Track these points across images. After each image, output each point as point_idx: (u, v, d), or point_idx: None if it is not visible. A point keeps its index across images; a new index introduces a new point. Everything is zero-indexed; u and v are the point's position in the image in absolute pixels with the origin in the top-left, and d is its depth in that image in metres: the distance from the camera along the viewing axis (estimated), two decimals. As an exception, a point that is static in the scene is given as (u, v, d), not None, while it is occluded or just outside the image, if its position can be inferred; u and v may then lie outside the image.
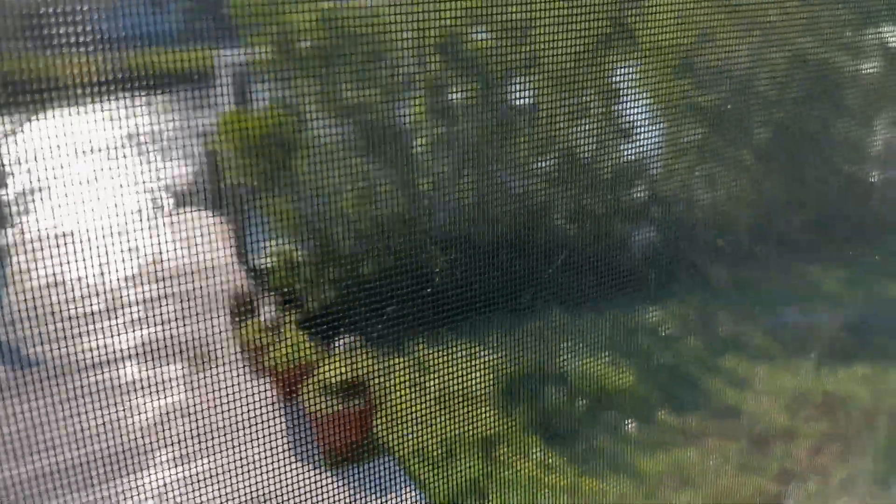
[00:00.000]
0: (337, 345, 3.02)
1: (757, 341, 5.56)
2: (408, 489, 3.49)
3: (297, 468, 2.06)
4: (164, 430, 2.14)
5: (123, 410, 2.23)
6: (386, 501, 3.18)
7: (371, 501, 2.82)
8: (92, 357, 2.07)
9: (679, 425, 4.29)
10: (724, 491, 3.55)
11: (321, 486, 2.06)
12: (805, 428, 4.08)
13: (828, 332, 5.45)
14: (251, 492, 1.97)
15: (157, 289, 2.31)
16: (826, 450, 3.84)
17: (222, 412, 1.95)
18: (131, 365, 2.31)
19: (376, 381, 3.25)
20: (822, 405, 4.33)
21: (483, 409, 3.19)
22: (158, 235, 2.04)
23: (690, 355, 5.25)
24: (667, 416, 4.42)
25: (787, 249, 4.93)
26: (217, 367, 1.98)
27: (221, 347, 2.09)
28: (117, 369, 2.22)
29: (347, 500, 2.57)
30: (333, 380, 3.25)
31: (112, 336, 2.19)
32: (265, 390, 2.16)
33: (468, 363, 2.37)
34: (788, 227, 4.31)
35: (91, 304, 1.91)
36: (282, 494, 1.99)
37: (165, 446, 2.21)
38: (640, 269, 3.04)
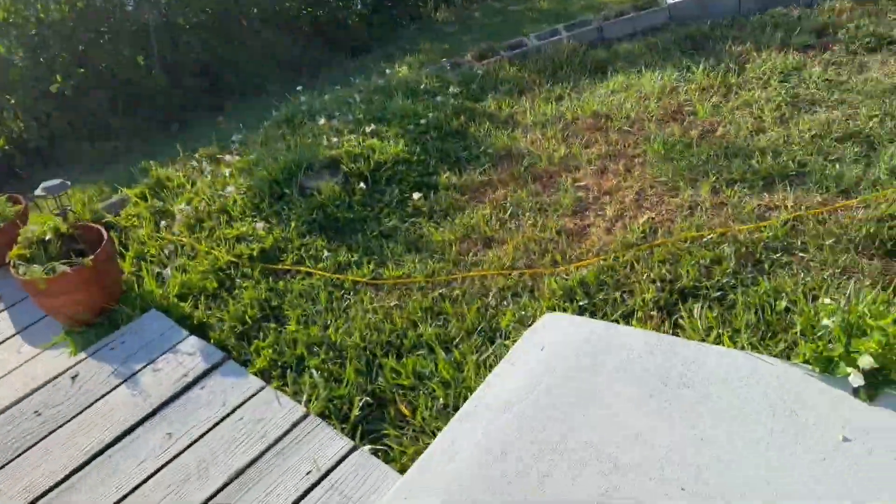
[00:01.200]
0: None
1: (510, 74, 5.18)
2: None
3: None
4: None
5: None
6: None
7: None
8: None
9: (462, 184, 3.81)
10: (529, 240, 3.20)
11: None
12: (586, 154, 3.84)
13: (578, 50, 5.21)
14: None
15: None
16: (610, 169, 3.65)
17: None
18: None
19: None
20: (592, 125, 4.12)
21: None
22: None
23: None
24: (448, 179, 3.90)
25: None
26: None
27: None
28: None
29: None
30: None
31: None
32: None
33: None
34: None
35: None
36: None
37: None
38: None
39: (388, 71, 5.64)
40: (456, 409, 2.44)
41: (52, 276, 3.01)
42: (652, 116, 4.07)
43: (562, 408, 2.15)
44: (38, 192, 3.81)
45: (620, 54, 5.11)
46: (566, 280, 2.89)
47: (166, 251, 3.72)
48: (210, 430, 2.48)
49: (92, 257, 3.09)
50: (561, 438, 2.06)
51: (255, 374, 2.79)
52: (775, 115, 3.75)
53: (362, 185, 3.81)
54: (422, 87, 5.17)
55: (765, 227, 2.93)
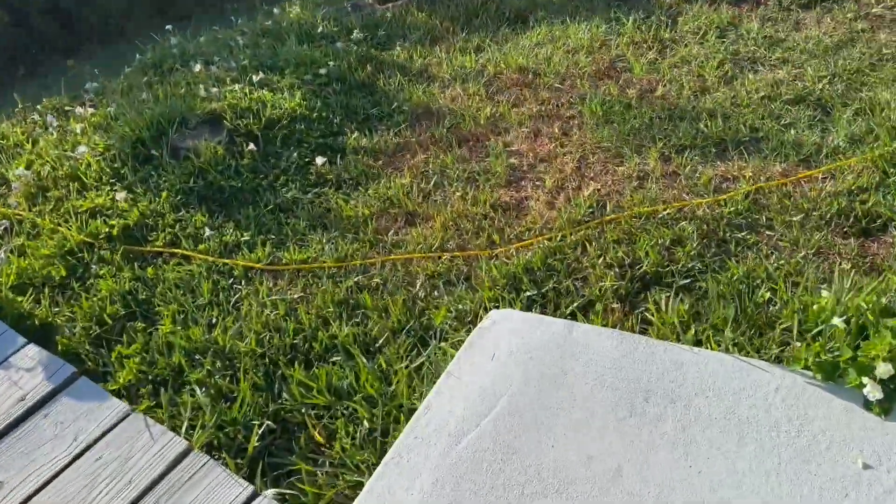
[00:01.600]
0: None
1: (420, 20, 4.62)
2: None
3: None
4: None
5: None
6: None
7: None
8: None
9: (374, 147, 3.26)
10: (459, 215, 2.72)
11: None
12: (515, 114, 3.38)
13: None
14: None
15: None
16: (544, 132, 3.22)
17: None
18: None
19: None
20: (519, 81, 3.67)
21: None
22: None
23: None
24: (357, 141, 3.33)
25: None
26: None
27: None
28: None
29: None
30: None
31: None
32: None
33: None
34: None
35: None
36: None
37: None
38: None
39: (276, 11, 4.88)
40: (385, 434, 1.95)
41: None
42: (584, 73, 3.66)
43: (525, 436, 1.72)
44: None
45: (540, 2, 4.66)
46: (507, 265, 2.44)
47: (1, 226, 2.94)
48: (55, 476, 1.86)
49: None
50: (527, 479, 1.62)
51: (118, 394, 2.16)
52: (718, 74, 3.45)
53: (252, 146, 3.16)
54: (318, 30, 4.51)
55: (725, 200, 2.61)
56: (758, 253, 2.36)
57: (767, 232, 2.46)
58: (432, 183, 2.96)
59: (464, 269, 2.50)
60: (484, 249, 2.57)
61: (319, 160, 3.09)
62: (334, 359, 2.20)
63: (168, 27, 4.77)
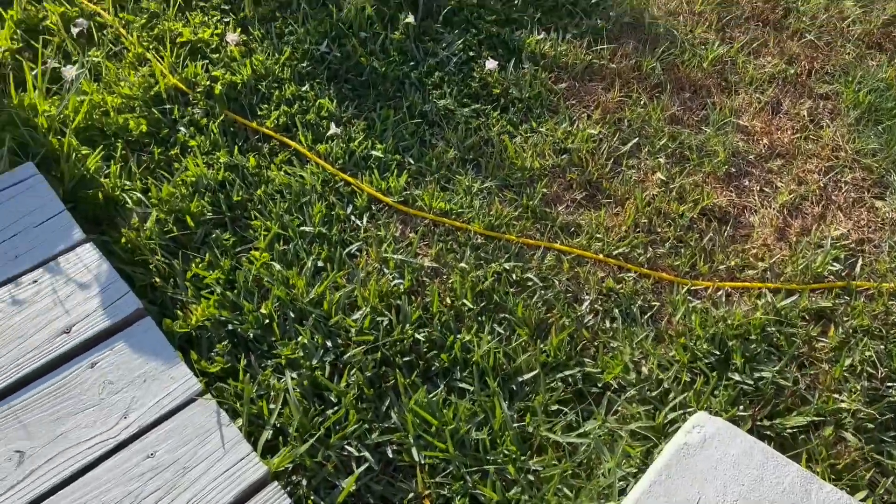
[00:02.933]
0: None
1: None
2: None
3: None
4: None
5: None
6: None
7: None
8: None
9: (559, 58, 2.50)
10: (655, 210, 2.06)
11: None
12: (752, 67, 2.56)
13: None
14: None
15: None
16: (784, 109, 2.42)
17: None
18: None
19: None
20: (762, 13, 2.78)
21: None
22: None
23: None
24: (540, 43, 2.57)
25: None
26: None
27: None
28: None
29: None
30: None
31: None
32: None
33: None
34: None
35: None
36: None
37: None
38: None
39: None
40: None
41: None
42: (852, 32, 2.75)
43: None
44: None
45: None
46: (711, 312, 1.84)
47: (74, 29, 2.31)
48: (89, 468, 1.42)
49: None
50: None
51: (187, 341, 1.69)
52: None
53: (410, 17, 2.41)
54: None
55: None
56: None
57: None
58: (628, 145, 2.25)
59: (649, 298, 1.89)
60: (682, 276, 1.95)
61: (490, 64, 2.36)
62: (463, 384, 1.68)
63: None
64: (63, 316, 1.60)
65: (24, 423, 1.45)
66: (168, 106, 2.17)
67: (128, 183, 1.98)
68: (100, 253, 1.71)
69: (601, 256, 1.95)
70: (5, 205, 1.76)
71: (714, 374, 1.73)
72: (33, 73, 2.10)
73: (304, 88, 2.25)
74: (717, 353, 1.77)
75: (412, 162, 2.13)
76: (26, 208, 1.76)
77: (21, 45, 2.29)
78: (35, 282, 1.65)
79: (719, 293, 1.92)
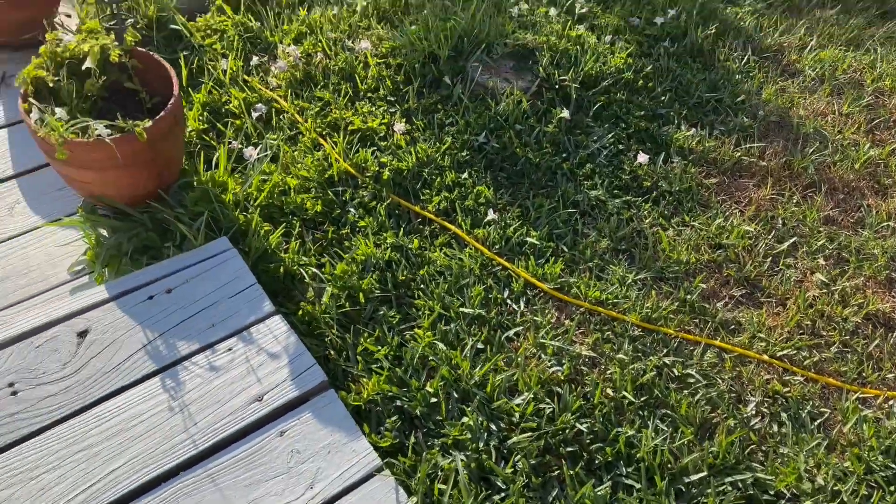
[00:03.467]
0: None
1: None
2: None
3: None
4: None
5: None
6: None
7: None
8: None
9: (707, 153, 2.54)
10: (816, 312, 2.03)
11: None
12: (907, 168, 2.52)
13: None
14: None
15: None
16: None
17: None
18: None
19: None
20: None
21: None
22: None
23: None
24: (688, 138, 2.62)
25: None
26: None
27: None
28: None
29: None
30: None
31: None
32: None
33: None
34: None
35: None
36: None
37: None
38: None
39: None
40: None
41: (82, 139, 1.89)
42: None
43: None
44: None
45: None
46: (882, 422, 1.77)
47: (254, 113, 2.54)
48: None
49: (150, 124, 1.94)
50: None
51: (358, 413, 1.77)
52: None
53: (565, 112, 2.52)
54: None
55: None
56: None
57: None
58: (784, 244, 2.24)
59: (817, 403, 1.85)
60: (850, 382, 1.90)
61: (641, 157, 2.43)
62: (629, 480, 1.68)
63: None
64: (256, 384, 1.72)
65: (219, 487, 1.55)
66: (340, 188, 2.33)
67: (304, 258, 2.12)
68: (287, 325, 1.84)
69: (766, 357, 1.93)
70: (204, 276, 1.93)
71: (892, 488, 1.66)
72: (218, 152, 2.31)
73: (463, 176, 2.37)
74: (894, 466, 1.70)
75: (566, 250, 2.20)
76: (221, 280, 1.92)
77: (206, 125, 2.54)
78: (230, 350, 1.78)
79: (890, 403, 1.86)
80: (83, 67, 2.01)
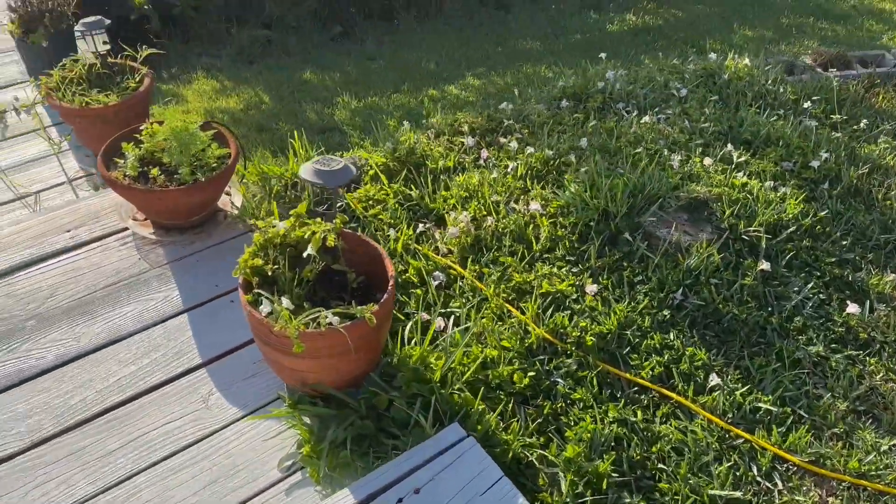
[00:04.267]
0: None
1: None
2: None
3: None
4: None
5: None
6: None
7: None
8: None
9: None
10: None
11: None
12: None
13: None
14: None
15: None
16: None
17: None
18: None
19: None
20: None
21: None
22: None
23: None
24: (886, 287, 2.51)
25: None
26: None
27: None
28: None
29: None
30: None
31: None
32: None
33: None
34: None
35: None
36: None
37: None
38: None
39: (713, 55, 4.12)
40: None
41: (315, 330, 1.84)
42: None
43: None
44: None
45: None
46: None
47: (433, 282, 2.50)
48: None
49: (377, 308, 1.89)
50: None
51: None
52: None
53: (764, 264, 2.45)
54: (764, 86, 3.71)
55: None
56: None
57: None
58: None
59: None
60: None
61: (852, 307, 2.32)
62: None
63: (601, 55, 4.17)
64: None
65: None
66: (541, 356, 2.24)
67: (527, 439, 1.99)
68: (540, 516, 1.69)
69: None
70: (445, 474, 1.79)
71: None
72: (408, 325, 2.24)
73: (669, 337, 2.27)
74: None
75: (805, 415, 2.05)
76: (466, 475, 1.79)
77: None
78: (495, 556, 1.62)
79: None
80: (305, 255, 2.00)
